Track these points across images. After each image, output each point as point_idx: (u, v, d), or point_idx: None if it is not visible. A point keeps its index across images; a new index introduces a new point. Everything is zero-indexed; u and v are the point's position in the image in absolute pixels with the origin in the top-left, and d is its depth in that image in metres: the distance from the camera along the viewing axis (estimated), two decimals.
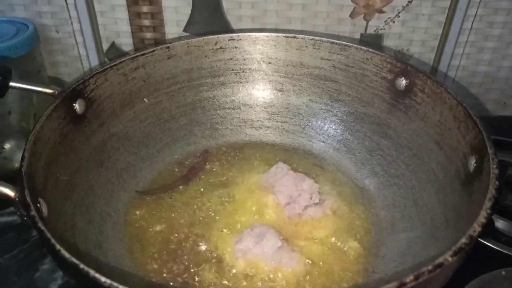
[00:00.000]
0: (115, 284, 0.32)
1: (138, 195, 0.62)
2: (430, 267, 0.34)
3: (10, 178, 0.76)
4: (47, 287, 0.62)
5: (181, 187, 0.64)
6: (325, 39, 0.69)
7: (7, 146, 0.76)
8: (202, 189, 0.64)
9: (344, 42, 0.68)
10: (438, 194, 0.55)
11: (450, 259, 0.35)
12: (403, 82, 0.63)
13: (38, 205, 0.42)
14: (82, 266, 0.34)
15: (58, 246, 0.35)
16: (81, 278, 0.34)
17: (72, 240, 0.48)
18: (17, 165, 0.79)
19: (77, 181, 0.55)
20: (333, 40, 0.69)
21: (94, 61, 0.89)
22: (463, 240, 0.37)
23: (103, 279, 0.32)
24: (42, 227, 0.37)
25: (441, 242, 0.48)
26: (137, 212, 0.60)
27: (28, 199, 0.39)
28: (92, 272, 0.33)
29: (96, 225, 0.55)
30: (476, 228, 0.38)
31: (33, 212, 0.38)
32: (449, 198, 0.52)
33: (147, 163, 0.67)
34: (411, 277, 0.33)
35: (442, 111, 0.57)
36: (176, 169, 0.68)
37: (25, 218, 0.40)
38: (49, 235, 0.36)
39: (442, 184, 0.55)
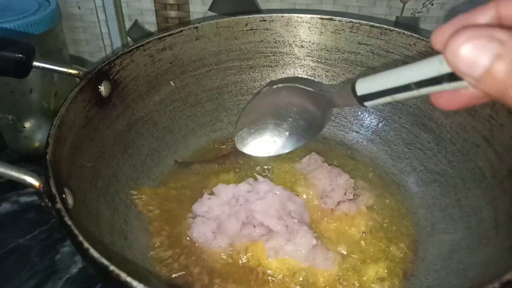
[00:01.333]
0: None
1: (176, 167, 0.61)
2: (496, 285, 0.30)
3: (30, 157, 0.77)
4: (68, 269, 0.61)
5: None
6: (364, 22, 0.64)
7: (27, 125, 0.74)
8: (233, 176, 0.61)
9: (385, 26, 0.63)
10: (485, 195, 0.51)
11: None
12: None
13: (64, 195, 0.39)
14: (112, 268, 0.31)
15: (86, 244, 0.33)
16: (109, 278, 0.32)
17: (97, 231, 0.46)
18: (37, 144, 0.78)
19: (101, 167, 0.53)
20: (373, 23, 0.64)
21: (116, 40, 0.86)
22: None
23: (135, 283, 0.30)
24: (69, 222, 0.34)
25: (491, 249, 0.45)
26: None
27: (54, 190, 0.37)
28: (123, 275, 0.30)
29: (121, 214, 0.52)
30: None
31: (59, 205, 0.36)
32: (499, 201, 0.48)
33: (172, 149, 0.64)
34: None
35: (494, 104, 0.53)
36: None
37: (50, 209, 0.37)
38: (76, 232, 0.33)
39: (490, 184, 0.51)
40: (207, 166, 0.63)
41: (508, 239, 0.43)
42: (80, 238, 0.33)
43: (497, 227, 0.47)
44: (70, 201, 0.40)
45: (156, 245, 0.52)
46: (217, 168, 0.63)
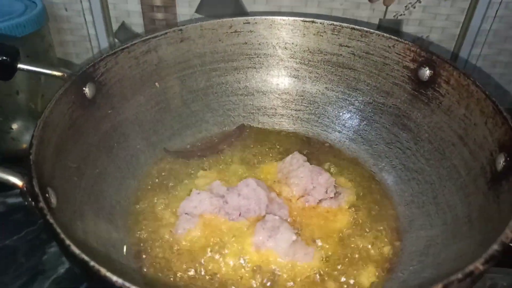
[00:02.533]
0: (127, 284, 0.30)
1: (165, 155, 0.63)
2: (460, 276, 0.32)
3: (18, 159, 0.77)
4: (55, 269, 0.61)
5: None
6: (345, 24, 0.66)
7: (14, 126, 0.75)
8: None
9: (365, 28, 0.65)
10: (460, 192, 0.53)
11: (481, 267, 0.33)
12: (427, 72, 0.60)
13: (47, 195, 0.40)
14: (92, 263, 0.32)
15: (67, 241, 0.34)
16: (91, 275, 0.33)
17: (81, 230, 0.46)
18: (25, 145, 0.78)
19: (86, 168, 0.54)
20: (353, 26, 0.66)
21: (103, 41, 0.86)
22: (495, 247, 0.35)
23: (114, 278, 0.31)
24: (51, 220, 0.35)
25: (464, 243, 0.46)
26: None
27: (37, 189, 0.38)
28: (103, 271, 0.31)
29: (105, 213, 0.53)
30: (509, 234, 0.35)
31: (42, 204, 0.36)
32: (473, 198, 0.50)
33: (157, 150, 0.65)
34: (440, 286, 0.31)
35: (468, 104, 0.55)
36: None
37: (33, 208, 0.38)
38: (58, 230, 0.34)
39: (465, 181, 0.53)
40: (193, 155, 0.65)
41: (480, 234, 0.45)
42: (62, 235, 0.34)
43: (470, 222, 0.48)
44: (53, 200, 0.41)
45: (141, 244, 0.53)
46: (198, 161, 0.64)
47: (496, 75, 0.89)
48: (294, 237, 0.50)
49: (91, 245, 0.45)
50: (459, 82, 0.56)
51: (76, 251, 0.33)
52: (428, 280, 0.45)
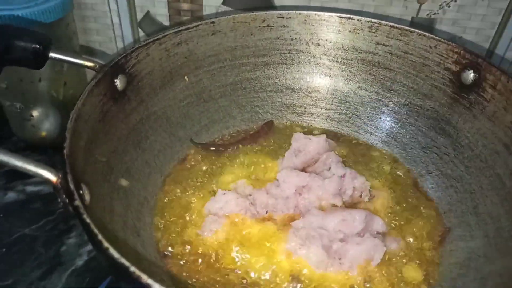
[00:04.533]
0: None
1: (192, 150, 0.62)
2: None
3: (36, 146, 0.76)
4: (73, 261, 0.60)
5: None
6: (384, 22, 0.63)
7: (35, 114, 0.73)
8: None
9: (405, 27, 0.62)
10: (504, 204, 0.50)
11: None
12: (470, 75, 0.57)
13: (81, 191, 0.38)
14: (133, 269, 0.30)
15: (106, 244, 0.32)
16: (129, 279, 0.31)
17: (111, 228, 0.45)
18: (44, 133, 0.77)
19: (115, 162, 0.52)
20: (392, 24, 0.63)
21: (127, 30, 0.84)
22: None
23: (156, 286, 0.29)
24: (88, 220, 0.33)
25: (511, 259, 0.44)
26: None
27: (72, 186, 0.36)
28: (144, 278, 0.30)
29: (133, 210, 0.52)
30: None
31: (78, 202, 0.35)
32: None
33: (185, 145, 0.63)
34: None
35: None
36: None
37: (68, 205, 0.36)
38: (96, 231, 0.32)
39: (510, 193, 0.50)
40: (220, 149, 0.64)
41: None
42: (100, 237, 0.32)
43: None
44: (87, 196, 0.40)
45: (168, 244, 0.51)
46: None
47: None
48: (326, 255, 0.48)
49: (120, 245, 0.43)
50: (507, 87, 0.53)
51: (116, 254, 0.31)
52: None
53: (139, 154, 0.57)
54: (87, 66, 0.51)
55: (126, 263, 0.31)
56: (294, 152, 0.60)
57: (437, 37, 0.60)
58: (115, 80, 0.52)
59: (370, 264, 0.49)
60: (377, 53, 0.66)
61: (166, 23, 0.83)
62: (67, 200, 0.36)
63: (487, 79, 0.56)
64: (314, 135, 0.63)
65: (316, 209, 0.53)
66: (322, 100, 0.71)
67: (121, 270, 0.31)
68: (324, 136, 0.62)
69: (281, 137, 0.67)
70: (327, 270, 0.48)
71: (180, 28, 0.61)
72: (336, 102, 0.70)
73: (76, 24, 0.79)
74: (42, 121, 0.74)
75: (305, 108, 0.71)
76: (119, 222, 0.47)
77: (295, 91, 0.71)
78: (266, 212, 0.54)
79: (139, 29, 0.85)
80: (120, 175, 0.52)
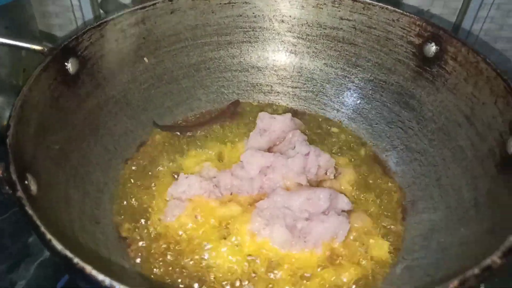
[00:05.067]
0: (114, 284, 0.27)
1: (155, 134, 0.60)
2: (476, 271, 0.30)
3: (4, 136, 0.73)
4: (41, 253, 0.59)
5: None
6: None
7: None
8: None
9: (368, 0, 0.61)
10: (465, 175, 0.51)
11: (499, 261, 0.31)
12: (432, 48, 0.57)
13: (26, 182, 0.37)
14: (76, 260, 0.29)
15: (48, 235, 0.31)
16: (74, 271, 0.30)
17: (66, 217, 0.43)
18: (6, 122, 0.74)
19: (71, 149, 0.50)
20: None
21: (88, 12, 0.81)
22: None
23: (100, 277, 0.28)
24: (30, 212, 0.32)
25: (471, 229, 0.44)
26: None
27: (14, 176, 0.34)
28: (88, 268, 0.29)
29: (92, 197, 0.50)
30: None
31: (20, 193, 0.33)
32: (480, 181, 0.48)
33: (147, 129, 0.62)
34: (455, 283, 0.29)
35: (477, 82, 0.52)
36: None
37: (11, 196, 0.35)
38: (38, 222, 0.31)
39: (471, 163, 0.50)
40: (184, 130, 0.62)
41: (487, 220, 0.43)
42: (42, 228, 0.31)
43: (476, 206, 0.46)
44: (33, 187, 0.38)
45: (129, 231, 0.50)
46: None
47: (496, 52, 0.86)
48: (290, 235, 0.48)
49: (76, 234, 0.42)
50: (468, 59, 0.53)
51: (58, 246, 0.30)
52: (433, 268, 0.43)
53: (97, 139, 0.55)
54: (34, 50, 0.48)
55: (70, 254, 0.30)
56: (259, 132, 0.60)
57: (399, 10, 0.59)
58: (66, 63, 0.50)
59: (335, 242, 0.49)
60: (341, 29, 0.64)
61: (128, 1, 0.80)
62: (9, 191, 0.34)
63: (448, 51, 0.55)
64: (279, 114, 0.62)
65: (281, 188, 0.52)
66: (288, 78, 0.70)
67: (68, 264, 0.30)
68: (289, 114, 0.61)
69: (247, 117, 0.66)
70: (292, 250, 0.48)
71: (136, 7, 0.58)
72: (303, 80, 0.69)
73: (34, 7, 0.76)
74: (4, 109, 0.71)
75: (271, 87, 0.70)
76: (76, 211, 0.46)
77: (260, 70, 0.70)
78: (231, 193, 0.53)
79: (101, 10, 0.82)
80: (76, 161, 0.50)
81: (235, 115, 0.66)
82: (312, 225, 0.49)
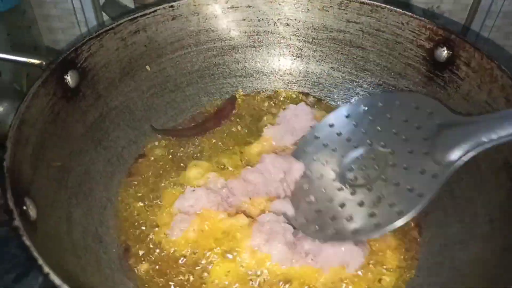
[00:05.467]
0: None
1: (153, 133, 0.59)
2: None
3: (3, 143, 0.73)
4: None
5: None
6: None
7: (0, 108, 0.70)
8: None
9: (376, 3, 0.59)
10: (479, 187, 0.49)
11: None
12: (444, 52, 0.54)
13: (24, 207, 0.36)
14: None
15: (46, 269, 0.30)
16: None
17: (67, 238, 0.42)
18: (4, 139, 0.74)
19: (72, 165, 0.49)
20: (363, 0, 0.59)
21: (90, 15, 0.80)
22: None
23: None
24: (28, 243, 0.31)
25: (486, 247, 0.43)
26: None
27: (11, 204, 0.33)
28: None
29: (95, 214, 0.49)
30: None
31: (17, 222, 0.32)
32: (494, 194, 0.46)
33: (152, 139, 0.60)
34: None
35: (491, 90, 0.49)
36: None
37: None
38: (36, 254, 0.30)
39: (485, 175, 0.48)
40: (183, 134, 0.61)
41: (502, 237, 0.41)
42: (40, 261, 0.30)
43: (491, 223, 0.44)
44: (32, 212, 0.37)
45: (135, 247, 0.49)
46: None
47: (510, 47, 0.84)
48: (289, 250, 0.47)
49: (79, 256, 0.41)
50: (481, 65, 0.50)
51: (57, 280, 0.29)
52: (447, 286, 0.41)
53: (100, 153, 0.54)
54: (32, 64, 0.47)
55: None
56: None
57: (408, 13, 0.57)
58: (65, 77, 0.49)
59: (345, 269, 0.47)
60: (348, 32, 0.62)
61: (131, 5, 0.79)
62: (6, 219, 0.33)
63: (460, 56, 0.53)
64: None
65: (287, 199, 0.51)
66: (294, 83, 0.68)
67: None
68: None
69: (249, 121, 0.64)
70: (293, 265, 0.47)
71: (136, 15, 0.57)
72: (309, 85, 0.67)
73: (35, 11, 0.75)
74: (8, 115, 0.71)
75: (277, 92, 0.68)
76: (78, 230, 0.45)
77: (266, 75, 0.68)
78: (249, 198, 0.52)
79: (103, 13, 0.81)
80: (78, 178, 0.49)
81: (231, 112, 0.64)
82: (322, 247, 0.47)
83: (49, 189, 0.43)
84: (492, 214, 0.45)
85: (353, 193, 0.49)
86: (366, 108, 0.55)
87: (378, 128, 0.52)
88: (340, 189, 0.50)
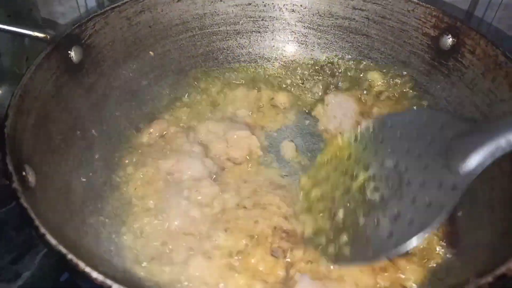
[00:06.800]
0: (108, 282, 0.26)
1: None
2: (490, 279, 0.28)
3: (2, 126, 0.73)
4: None
5: None
6: None
7: None
8: None
9: None
10: (481, 174, 0.48)
11: None
12: (449, 40, 0.54)
13: (24, 173, 0.36)
14: (70, 256, 0.28)
15: (42, 230, 0.30)
16: (68, 267, 0.29)
17: (66, 209, 0.42)
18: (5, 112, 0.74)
19: (74, 140, 0.49)
20: None
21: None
22: None
23: (94, 274, 0.27)
24: (25, 205, 0.31)
25: (485, 232, 0.42)
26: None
27: (11, 168, 0.33)
28: (82, 265, 0.27)
29: (96, 191, 0.49)
30: None
31: (16, 184, 0.32)
32: (496, 181, 0.45)
33: (153, 120, 0.60)
34: None
35: (495, 77, 0.49)
36: None
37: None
38: (33, 215, 0.30)
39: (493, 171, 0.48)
40: None
41: (503, 223, 0.41)
42: (36, 222, 0.30)
43: (492, 209, 0.44)
44: (31, 179, 0.37)
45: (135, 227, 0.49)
46: None
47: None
48: None
49: (77, 227, 0.41)
50: (486, 52, 0.50)
51: (53, 241, 0.29)
52: (445, 272, 0.41)
53: (102, 130, 0.54)
54: (37, 38, 0.47)
55: (64, 250, 0.29)
56: None
57: (415, 0, 0.57)
58: (69, 52, 0.49)
59: None
60: (354, 19, 0.62)
61: None
62: (6, 182, 0.33)
63: (465, 44, 0.53)
64: None
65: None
66: (298, 70, 0.68)
67: (60, 258, 0.29)
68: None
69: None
70: None
71: None
72: (313, 72, 0.67)
73: None
74: (7, 98, 0.71)
75: (280, 78, 0.68)
76: (78, 203, 0.45)
77: (269, 61, 0.68)
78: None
79: None
80: (80, 153, 0.49)
81: None
82: None
83: (49, 161, 0.44)
84: (493, 201, 0.45)
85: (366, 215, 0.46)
86: (375, 130, 0.52)
87: (389, 149, 0.49)
88: None
